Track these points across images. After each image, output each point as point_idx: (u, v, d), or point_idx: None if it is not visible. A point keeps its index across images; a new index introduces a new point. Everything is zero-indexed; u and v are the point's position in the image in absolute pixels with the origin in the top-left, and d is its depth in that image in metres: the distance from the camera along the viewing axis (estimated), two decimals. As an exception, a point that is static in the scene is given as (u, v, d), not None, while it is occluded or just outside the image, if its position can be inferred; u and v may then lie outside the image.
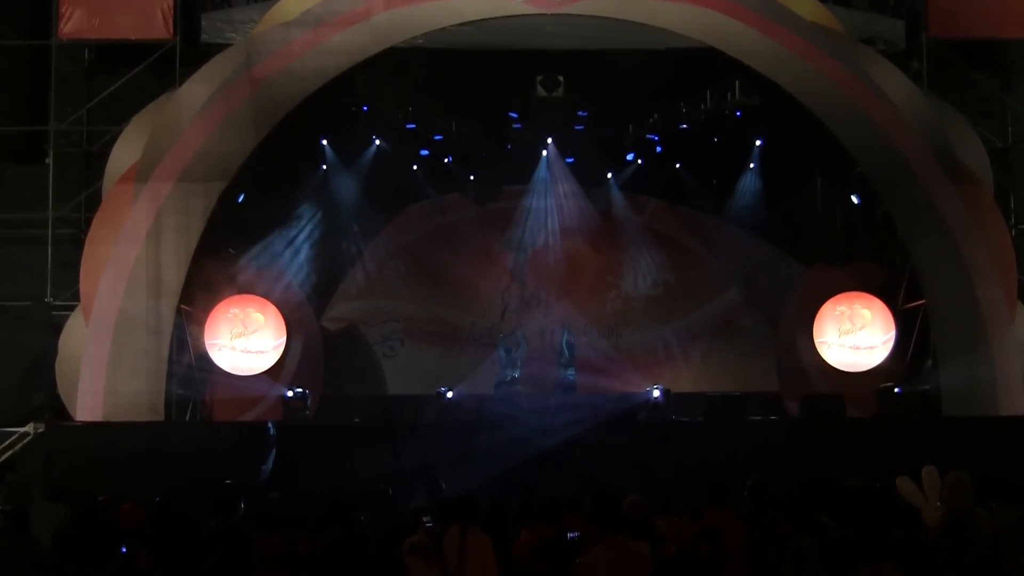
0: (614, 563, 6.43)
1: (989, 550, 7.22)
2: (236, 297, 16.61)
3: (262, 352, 16.49)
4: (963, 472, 7.60)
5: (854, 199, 17.64)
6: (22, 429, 15.84)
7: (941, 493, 7.83)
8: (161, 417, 14.98)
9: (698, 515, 7.95)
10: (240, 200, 16.80)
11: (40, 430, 15.13)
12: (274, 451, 13.81)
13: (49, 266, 16.30)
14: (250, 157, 15.45)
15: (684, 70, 15.90)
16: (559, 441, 13.47)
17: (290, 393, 15.13)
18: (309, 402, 15.41)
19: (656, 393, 15.10)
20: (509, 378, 16.45)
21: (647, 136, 18.16)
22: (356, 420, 14.75)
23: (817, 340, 16.45)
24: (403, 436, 13.79)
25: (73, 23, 16.30)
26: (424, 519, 8.05)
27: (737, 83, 16.76)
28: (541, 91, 16.76)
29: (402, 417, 14.73)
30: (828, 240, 18.08)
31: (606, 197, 18.94)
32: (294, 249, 17.88)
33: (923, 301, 15.53)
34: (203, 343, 16.13)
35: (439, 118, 17.91)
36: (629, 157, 18.52)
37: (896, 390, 15.16)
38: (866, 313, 16.34)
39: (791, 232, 18.21)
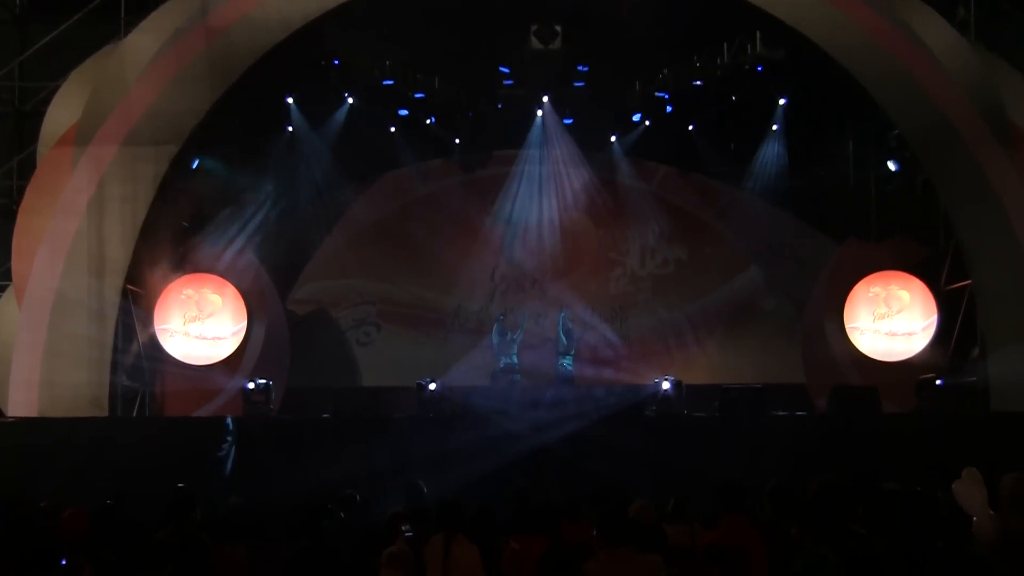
0: (624, 577, 6.42)
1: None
2: (190, 276, 16.60)
3: (219, 339, 16.51)
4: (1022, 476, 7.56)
5: (891, 166, 17.65)
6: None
7: (1005, 501, 7.75)
8: (105, 412, 14.96)
9: (713, 522, 7.93)
10: (194, 166, 16.73)
11: (-34, 427, 15.12)
12: (233, 450, 13.83)
13: (-24, 241, 16.27)
14: (205, 118, 15.38)
15: (698, 19, 15.84)
16: (556, 439, 13.51)
17: (251, 385, 15.11)
18: (273, 395, 15.40)
19: (666, 385, 15.09)
20: (505, 365, 16.45)
21: (656, 94, 18.09)
22: (325, 415, 14.74)
23: (848, 325, 16.50)
24: (379, 433, 13.81)
25: (2, -36, 16.28)
26: (403, 527, 8.03)
27: (758, 34, 16.70)
28: (536, 43, 16.69)
29: (378, 412, 14.72)
30: (861, 212, 18.10)
31: (609, 163, 18.95)
32: (256, 222, 17.83)
33: (969, 282, 15.55)
34: (152, 329, 16.12)
35: (420, 73, 17.83)
36: (635, 118, 18.50)
37: (938, 382, 15.16)
38: (904, 295, 16.38)
39: (819, 203, 18.23)
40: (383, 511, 8.80)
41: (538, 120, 18.52)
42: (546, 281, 19.06)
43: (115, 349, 15.33)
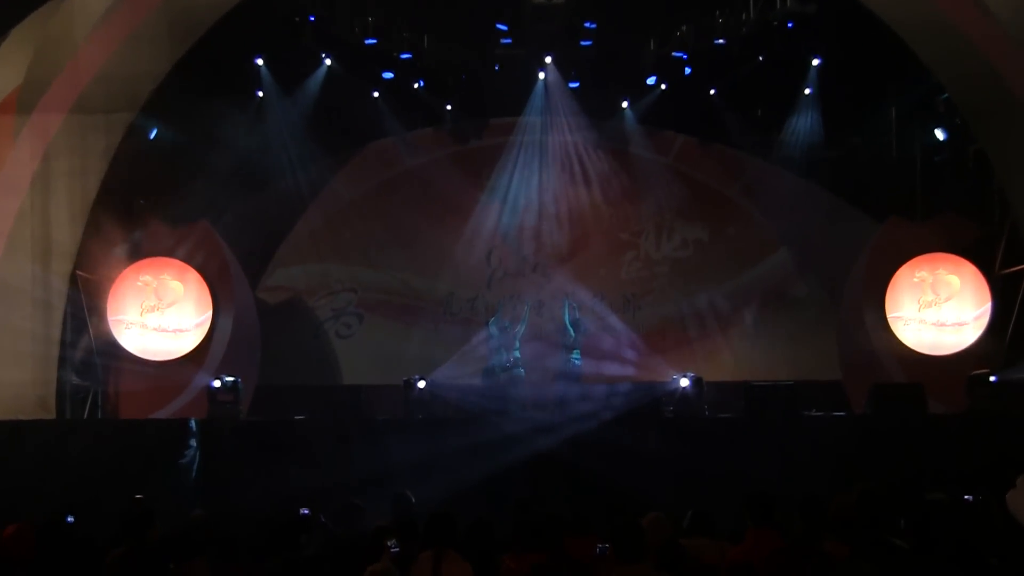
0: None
1: None
2: (147, 261, 16.62)
3: (181, 331, 16.54)
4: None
5: (938, 134, 17.60)
6: None
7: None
8: (52, 414, 14.98)
9: (738, 536, 7.94)
10: (152, 137, 16.70)
11: None
12: (197, 457, 13.84)
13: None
14: (164, 82, 15.33)
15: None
16: (561, 443, 13.52)
17: (217, 383, 15.08)
18: (241, 394, 15.37)
19: (684, 382, 15.12)
20: (504, 360, 16.44)
21: (673, 55, 18.03)
22: (301, 417, 14.75)
23: (890, 315, 16.51)
24: (361, 437, 13.83)
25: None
26: (389, 542, 8.03)
27: (788, -15, 16.71)
28: (537, -5, 16.70)
29: (360, 413, 14.74)
30: (905, 187, 18.04)
31: (620, 133, 18.93)
32: (221, 199, 17.85)
33: (1027, 265, 15.56)
34: (106, 320, 16.09)
35: (406, 31, 17.78)
36: (650, 81, 18.44)
37: (991, 378, 15.12)
38: (953, 280, 16.37)
39: (857, 177, 18.20)
40: (366, 524, 8.81)
41: (540, 84, 18.48)
42: (549, 266, 19.06)
43: (63, 344, 15.32)
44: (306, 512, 9.07)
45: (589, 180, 18.94)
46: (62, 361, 15.28)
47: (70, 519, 8.82)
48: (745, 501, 7.88)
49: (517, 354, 16.56)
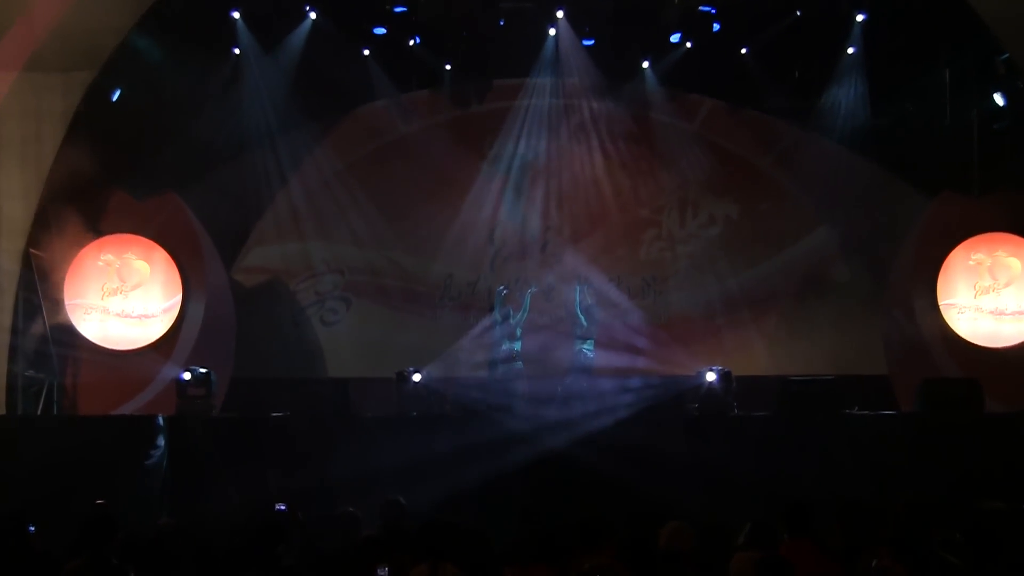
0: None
1: None
2: (110, 238, 16.64)
3: (147, 317, 16.57)
4: None
5: (997, 99, 17.53)
6: None
7: None
8: (3, 410, 14.94)
9: (771, 548, 7.94)
10: (115, 99, 16.64)
11: None
12: (165, 457, 13.89)
13: None
14: (128, 37, 15.26)
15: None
16: (570, 444, 13.60)
17: (187, 375, 15.12)
18: (215, 388, 15.44)
19: (711, 376, 15.11)
20: (507, 354, 16.41)
21: (700, 8, 17.98)
22: (280, 414, 14.75)
23: (943, 302, 16.50)
24: (349, 436, 13.89)
25: None
26: (380, 571, 8.03)
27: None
28: (548, -58, 16.68)
29: (348, 409, 14.78)
30: (959, 158, 17.95)
31: (641, 96, 18.82)
32: (193, 170, 17.81)
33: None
34: (63, 305, 16.07)
35: (401, -19, 17.79)
36: (674, 39, 18.37)
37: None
38: (1014, 263, 16.35)
39: (906, 147, 18.09)
40: (354, 533, 8.82)
41: (550, 41, 18.37)
42: (560, 245, 18.99)
43: (14, 331, 15.31)
44: (282, 508, 9.08)
45: (605, 150, 18.85)
46: (13, 351, 15.28)
47: (31, 528, 8.81)
48: (780, 508, 7.89)
49: (517, 346, 16.48)
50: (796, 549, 7.65)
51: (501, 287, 17.43)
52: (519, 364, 16.36)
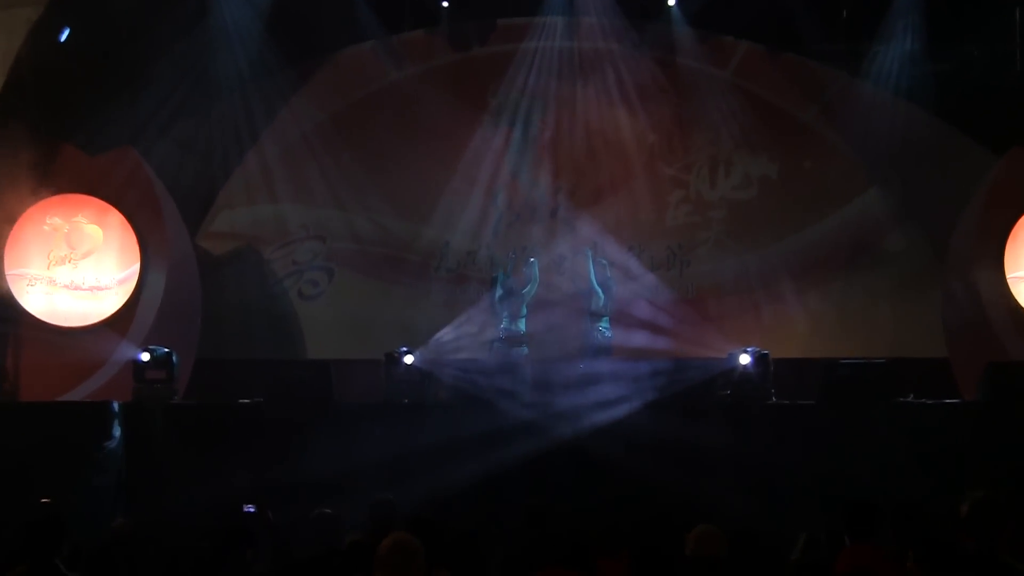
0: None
1: None
2: (57, 198, 16.62)
3: (100, 289, 16.58)
4: None
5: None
6: None
7: None
8: (-66, 395, 14.97)
9: (810, 551, 7.91)
10: (63, 39, 16.56)
11: None
12: (119, 450, 13.89)
13: None
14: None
15: None
16: (584, 436, 13.66)
17: (146, 356, 15.10)
18: (177, 371, 15.43)
19: (745, 359, 15.09)
20: (513, 329, 16.35)
21: (735, -63, 18.00)
22: (251, 400, 14.76)
23: (1010, 275, 16.53)
24: (331, 425, 13.92)
25: None
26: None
27: None
28: None
29: (330, 394, 14.75)
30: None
31: (667, 38, 18.82)
32: (153, 122, 17.71)
33: None
34: (2, 275, 16.05)
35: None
36: (705, -29, 18.36)
37: None
38: (1094, 229, 16.35)
39: (970, 97, 18.02)
40: (336, 538, 8.78)
41: (562, -27, 18.41)
42: (572, 209, 18.98)
43: (-53, 305, 15.30)
44: (252, 508, 9.05)
45: (625, 100, 18.80)
46: (-55, 328, 15.28)
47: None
48: (836, 510, 7.86)
49: (523, 324, 16.42)
50: (859, 556, 7.61)
51: (511, 253, 17.40)
52: (523, 348, 16.30)
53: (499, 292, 16.68)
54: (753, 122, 18.88)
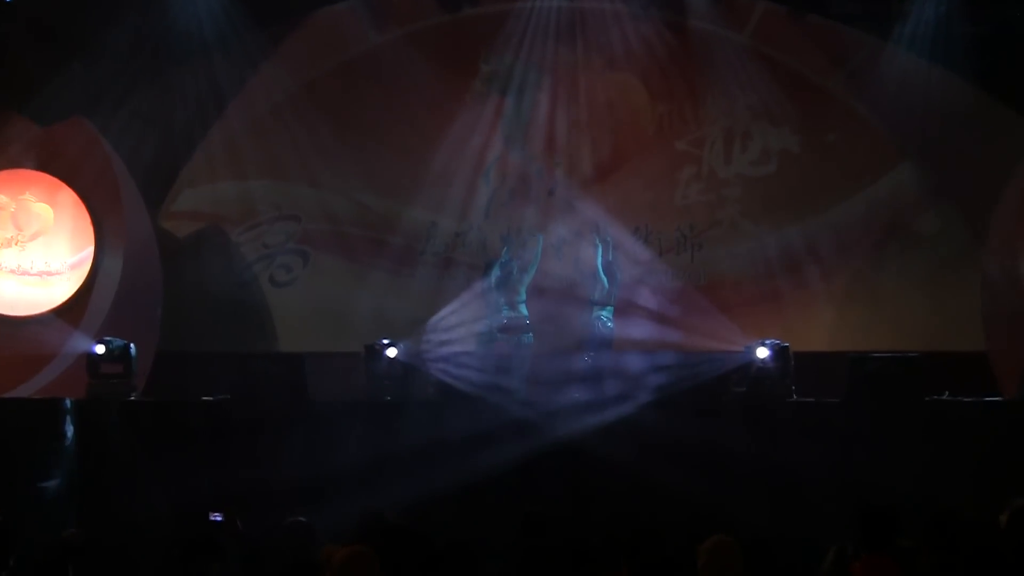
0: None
1: None
2: (2, 174, 16.71)
3: (50, 274, 16.62)
4: None
5: None
6: None
7: None
8: None
9: (842, 568, 7.89)
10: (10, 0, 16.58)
11: None
12: (72, 451, 13.87)
13: None
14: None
15: None
16: (586, 435, 13.60)
17: (101, 348, 15.09)
18: (135, 365, 15.41)
19: (763, 352, 15.12)
20: (507, 319, 16.32)
21: None
22: (216, 398, 14.77)
23: (1056, 260, 16.46)
24: (307, 424, 13.94)
25: None
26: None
27: None
28: None
29: (304, 390, 14.75)
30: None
31: (678, -2, 18.82)
32: (109, 91, 17.72)
33: None
34: (-59, 259, 16.11)
35: None
36: (719, -77, 18.39)
37: None
38: None
39: (1010, 66, 18.05)
40: (314, 548, 8.77)
41: (561, -75, 18.41)
42: (573, 187, 18.96)
43: None
44: (218, 517, 9.05)
45: (631, 65, 18.82)
46: None
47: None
48: (853, 517, 7.84)
49: (524, 310, 16.42)
50: (875, 567, 7.59)
51: (506, 236, 17.40)
52: (528, 336, 16.25)
53: (496, 275, 16.62)
54: (772, 91, 18.86)
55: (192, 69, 18.51)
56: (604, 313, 16.68)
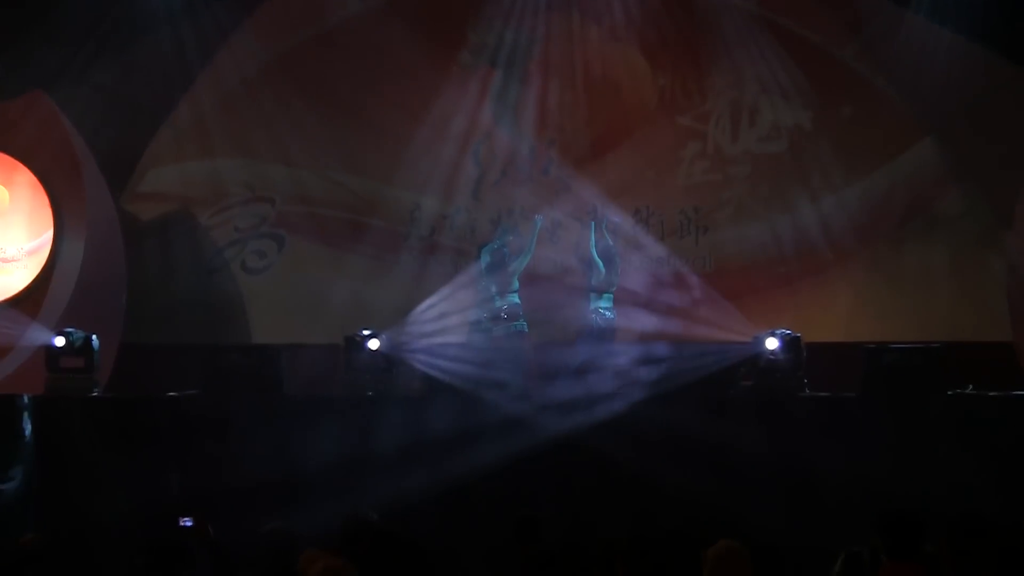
0: None
1: None
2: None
3: (5, 261, 16.75)
4: None
5: None
6: None
7: None
8: None
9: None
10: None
11: None
12: (30, 451, 13.91)
13: None
14: None
15: None
16: (583, 432, 13.61)
17: (61, 341, 15.08)
18: (98, 358, 15.40)
19: (773, 343, 15.12)
20: (499, 308, 16.32)
21: None
22: (185, 393, 14.79)
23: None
24: (283, 422, 13.97)
25: None
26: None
27: None
28: None
29: (279, 385, 14.81)
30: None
31: (679, -39, 18.81)
32: (69, 64, 17.71)
33: None
34: None
35: None
36: None
37: None
38: None
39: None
40: (291, 555, 8.76)
41: None
42: (567, 165, 18.97)
43: None
44: (188, 521, 9.03)
45: (632, 34, 18.81)
46: None
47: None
48: (873, 521, 7.83)
49: (516, 299, 16.41)
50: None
51: (500, 218, 17.39)
52: (521, 324, 16.25)
53: (487, 261, 16.61)
54: (783, 61, 18.85)
55: (158, 40, 18.44)
56: (602, 302, 16.65)
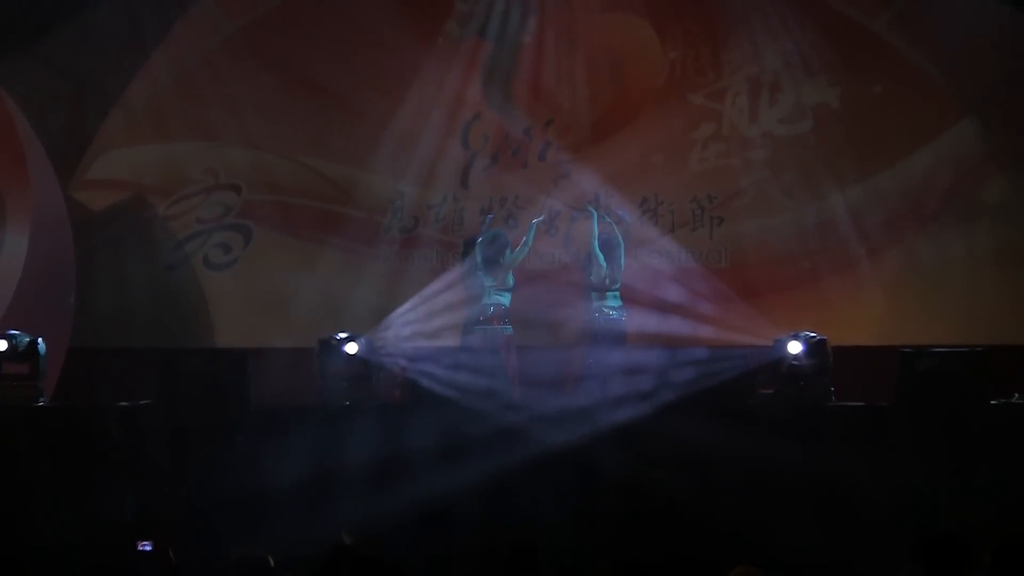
0: None
1: None
2: None
3: (-56, 258, 16.54)
4: None
5: None
6: None
7: None
8: None
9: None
10: None
11: None
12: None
13: None
14: None
15: None
16: (586, 444, 13.59)
17: (2, 345, 15.04)
18: (44, 363, 15.34)
19: (796, 348, 15.08)
20: (495, 308, 16.29)
21: None
22: (137, 403, 14.71)
23: None
24: (246, 435, 13.96)
25: None
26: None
27: None
28: None
29: (246, 394, 14.70)
30: None
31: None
32: (12, 35, 17.95)
33: None
34: None
35: None
36: None
37: None
38: None
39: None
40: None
41: None
42: (568, 150, 19.02)
43: None
44: (147, 546, 9.06)
45: (639, 1, 18.83)
46: None
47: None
48: (918, 544, 7.84)
49: (506, 299, 16.37)
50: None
51: (489, 214, 17.39)
52: (506, 328, 16.26)
53: (479, 257, 16.58)
54: (807, 33, 18.83)
55: (110, 11, 18.50)
56: (607, 301, 16.62)
